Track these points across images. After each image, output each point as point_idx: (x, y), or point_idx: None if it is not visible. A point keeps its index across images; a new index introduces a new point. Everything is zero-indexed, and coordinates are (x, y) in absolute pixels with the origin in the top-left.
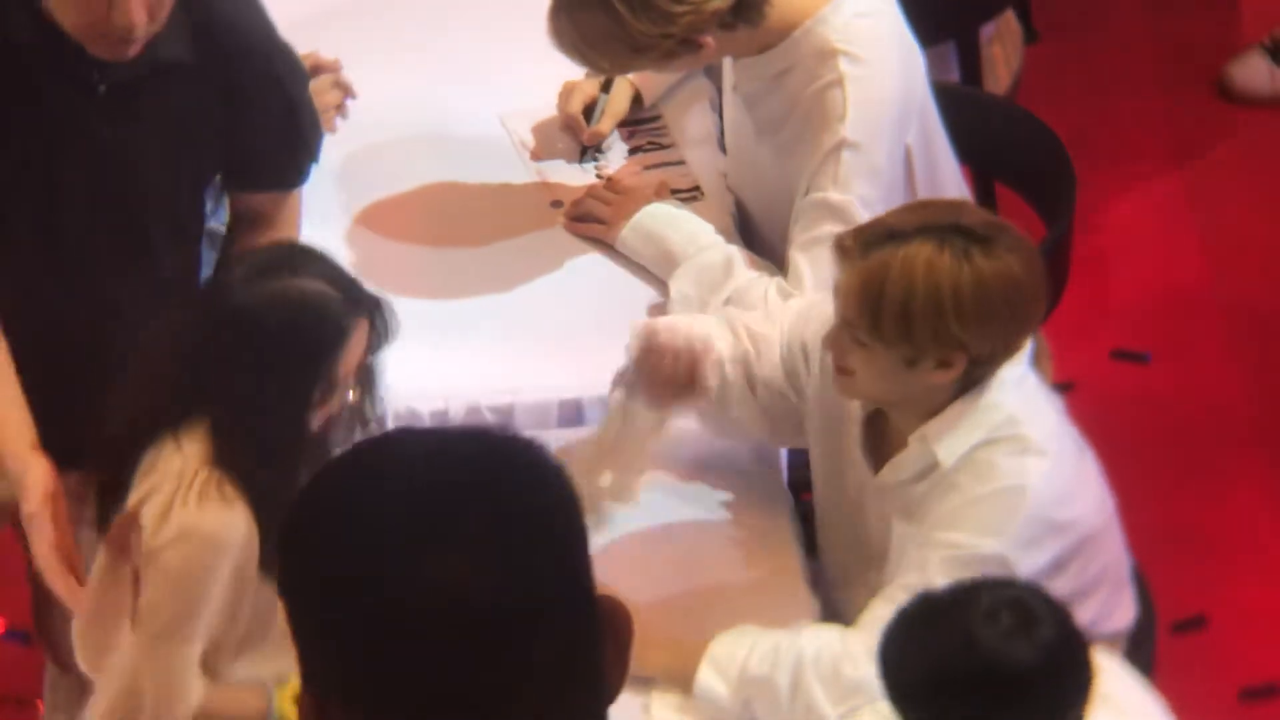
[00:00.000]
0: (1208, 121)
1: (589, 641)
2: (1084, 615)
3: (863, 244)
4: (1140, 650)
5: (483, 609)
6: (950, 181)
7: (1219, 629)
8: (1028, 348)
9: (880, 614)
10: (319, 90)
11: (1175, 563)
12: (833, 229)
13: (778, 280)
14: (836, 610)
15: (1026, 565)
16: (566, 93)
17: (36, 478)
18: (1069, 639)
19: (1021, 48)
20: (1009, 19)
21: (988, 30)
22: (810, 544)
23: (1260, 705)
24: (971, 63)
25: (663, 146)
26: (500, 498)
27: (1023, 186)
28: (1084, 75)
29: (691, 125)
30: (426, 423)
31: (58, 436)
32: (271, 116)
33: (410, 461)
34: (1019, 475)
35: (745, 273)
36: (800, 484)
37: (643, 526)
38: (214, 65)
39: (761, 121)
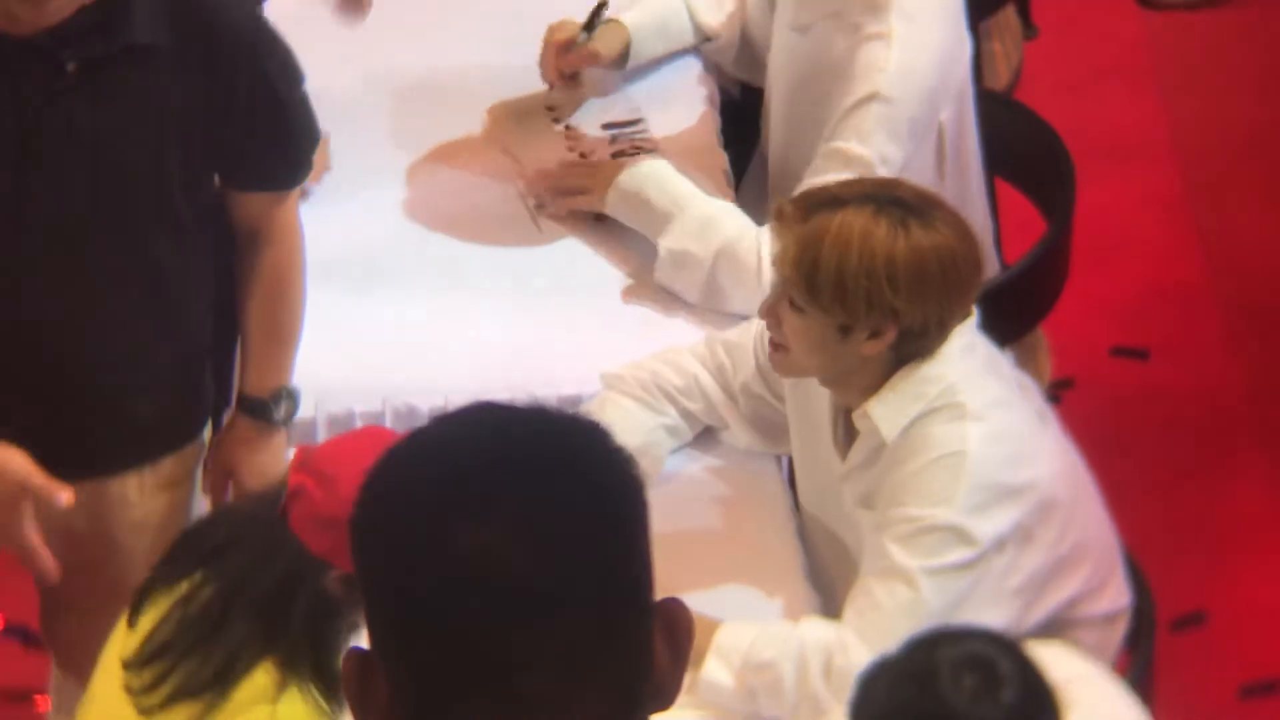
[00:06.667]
0: (1207, 117)
1: (627, 636)
2: (1068, 590)
3: (803, 209)
4: (1139, 646)
5: (505, 583)
6: (974, 175)
7: (1219, 625)
8: (972, 317)
9: (860, 605)
10: None
11: (1175, 559)
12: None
13: (766, 229)
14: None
15: (985, 532)
16: (552, 31)
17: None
18: (1034, 695)
19: (1021, 43)
20: (1009, 14)
21: (987, 25)
22: None
23: (1260, 702)
24: (972, 58)
25: (646, 151)
26: (550, 477)
27: (1022, 182)
28: (1083, 70)
29: (683, 122)
30: (424, 420)
31: (32, 447)
32: (256, 113)
33: (473, 434)
34: (957, 441)
35: (733, 223)
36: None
37: None
38: (193, 52)
39: (811, 58)
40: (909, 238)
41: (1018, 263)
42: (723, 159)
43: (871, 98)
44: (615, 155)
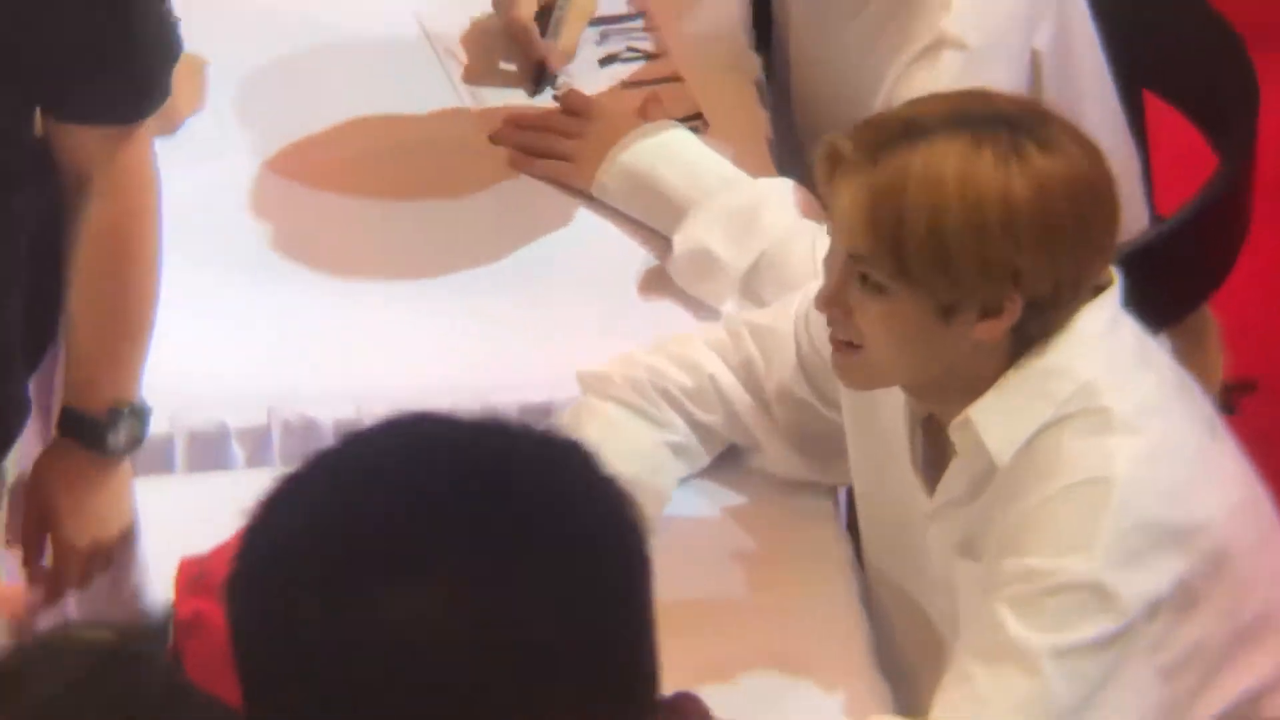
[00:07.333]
0: None
1: None
2: (1249, 678)
3: (870, 146)
4: None
5: (441, 674)
6: (1091, 97)
7: None
8: (1114, 288)
9: (956, 698)
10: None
11: None
12: None
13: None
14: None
15: (1134, 592)
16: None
17: None
18: None
19: None
20: None
21: None
22: None
23: None
24: None
25: (650, 56)
26: (506, 521)
27: (1186, 102)
28: None
29: (700, 14)
30: (328, 439)
31: None
32: (85, 16)
33: (396, 460)
34: (1100, 463)
35: (782, 218)
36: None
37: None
38: None
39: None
40: (1026, 168)
41: (1176, 214)
42: (754, 64)
43: (938, 45)
44: (604, 61)
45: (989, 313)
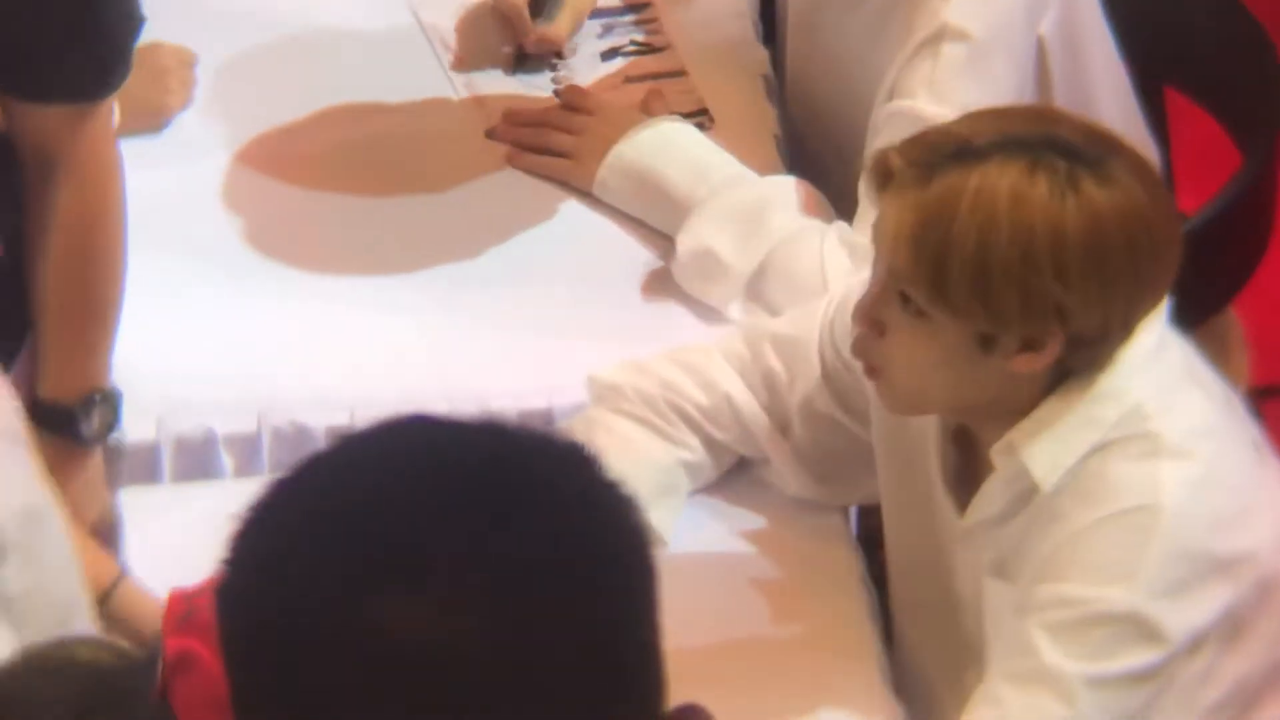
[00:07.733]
0: None
1: None
2: None
3: (921, 164)
4: None
5: (440, 684)
6: (1104, 87)
7: None
8: (1163, 304)
9: (983, 718)
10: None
11: None
12: None
13: (839, 226)
14: None
15: (1178, 624)
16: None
17: None
18: None
19: None
20: None
21: None
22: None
23: None
24: None
25: (653, 49)
26: (509, 527)
27: (1208, 95)
28: None
29: (706, 6)
30: (321, 443)
31: None
32: None
33: (392, 465)
34: (1148, 489)
35: (789, 218)
36: (875, 537)
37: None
38: None
39: None
40: (1081, 200)
41: (1198, 213)
42: (762, 58)
43: (939, 37)
44: (606, 55)
45: (1029, 346)
